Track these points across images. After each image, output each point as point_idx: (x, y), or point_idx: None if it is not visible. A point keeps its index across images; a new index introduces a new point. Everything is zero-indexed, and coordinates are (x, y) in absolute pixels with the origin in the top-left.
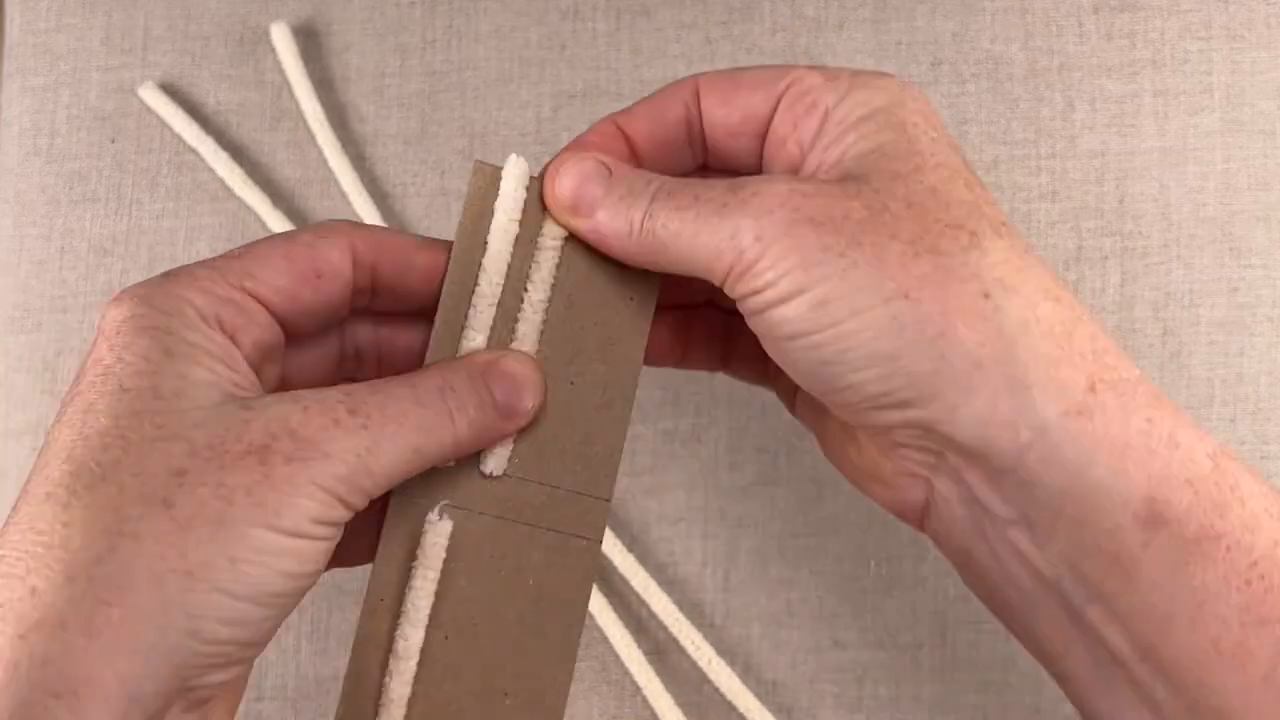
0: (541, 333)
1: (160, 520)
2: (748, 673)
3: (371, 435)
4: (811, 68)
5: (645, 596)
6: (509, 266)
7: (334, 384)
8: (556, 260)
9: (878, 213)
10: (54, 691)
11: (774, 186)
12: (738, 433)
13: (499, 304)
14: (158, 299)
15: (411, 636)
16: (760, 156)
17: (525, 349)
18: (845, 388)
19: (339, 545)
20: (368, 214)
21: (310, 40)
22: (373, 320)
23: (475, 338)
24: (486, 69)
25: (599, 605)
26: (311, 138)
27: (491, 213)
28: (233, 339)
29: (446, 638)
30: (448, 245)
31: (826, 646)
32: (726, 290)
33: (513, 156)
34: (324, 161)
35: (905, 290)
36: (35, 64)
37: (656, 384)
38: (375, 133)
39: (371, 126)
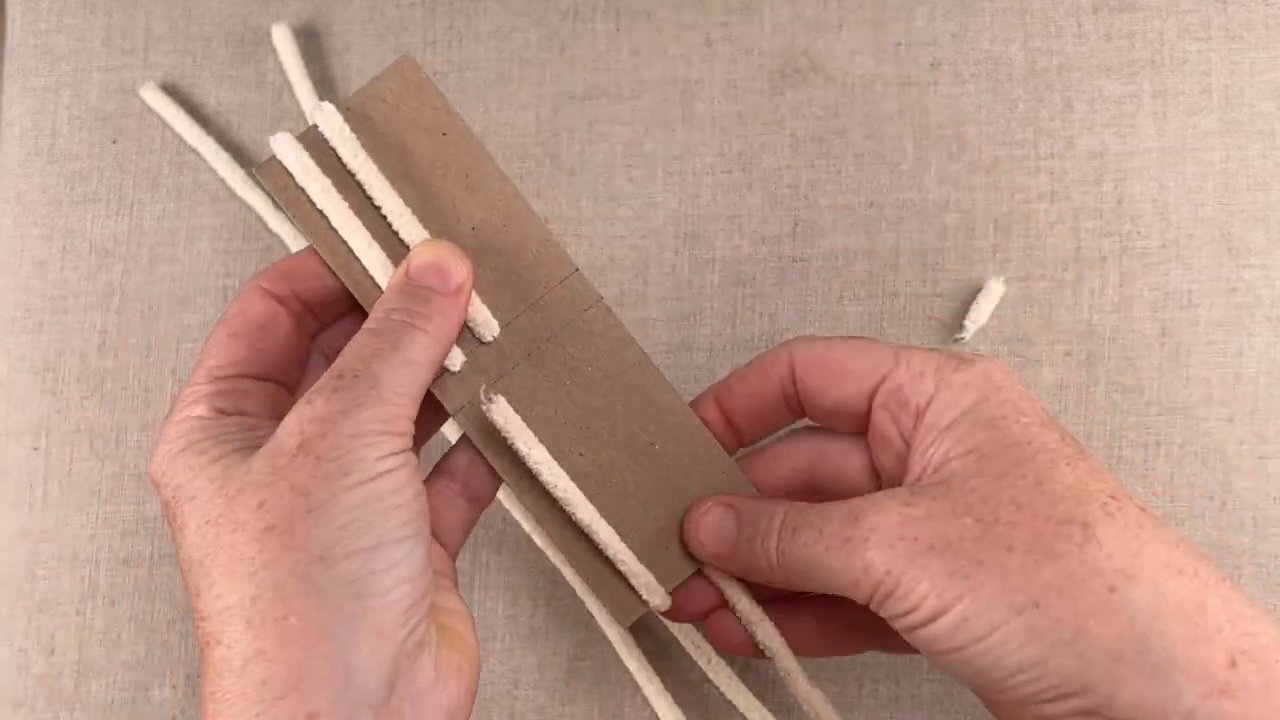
0: (416, 211)
1: (272, 543)
2: (747, 673)
3: (365, 379)
4: (899, 354)
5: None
6: (351, 208)
7: None
8: (375, 170)
9: (990, 525)
10: (279, 695)
11: (888, 518)
12: None
13: (371, 232)
14: (168, 433)
15: (561, 482)
16: (861, 430)
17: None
18: (1005, 689)
19: (469, 482)
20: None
21: (311, 41)
22: (343, 330)
23: (377, 271)
24: (486, 69)
25: (598, 605)
26: None
27: (303, 190)
28: (240, 413)
29: (582, 454)
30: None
31: None
32: (874, 610)
33: (276, 140)
34: None
35: (1034, 599)
36: (36, 64)
37: None
38: None
39: None
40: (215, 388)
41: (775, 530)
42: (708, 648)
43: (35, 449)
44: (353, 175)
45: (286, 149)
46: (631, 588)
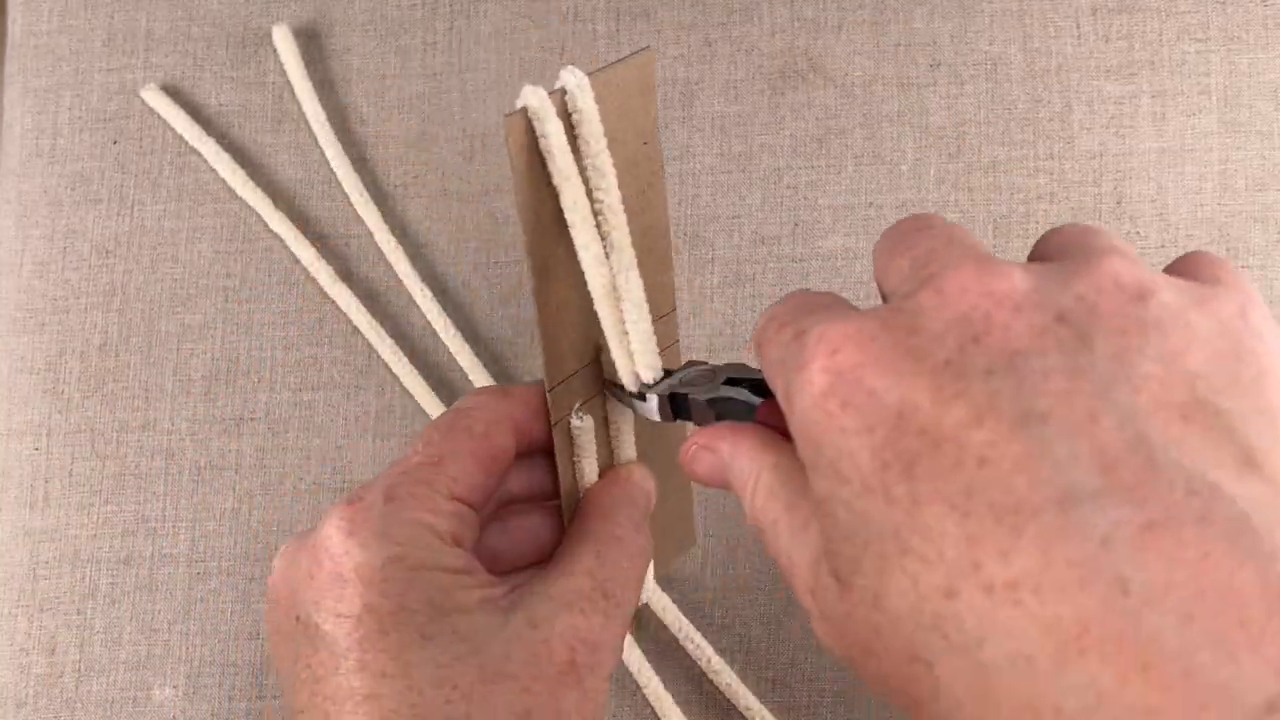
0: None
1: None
2: (747, 673)
3: (623, 609)
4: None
5: (645, 596)
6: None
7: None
8: (607, 156)
9: None
10: None
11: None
12: None
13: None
14: (398, 532)
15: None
16: None
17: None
18: None
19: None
20: (369, 215)
21: (311, 42)
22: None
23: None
24: (487, 71)
25: None
26: (313, 139)
27: (545, 158)
28: (459, 544)
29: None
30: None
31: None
32: None
33: (527, 90)
34: (326, 163)
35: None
36: (37, 65)
37: None
38: (376, 134)
39: (372, 128)
40: (454, 508)
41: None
42: (708, 647)
43: (36, 449)
44: (580, 157)
45: (543, 109)
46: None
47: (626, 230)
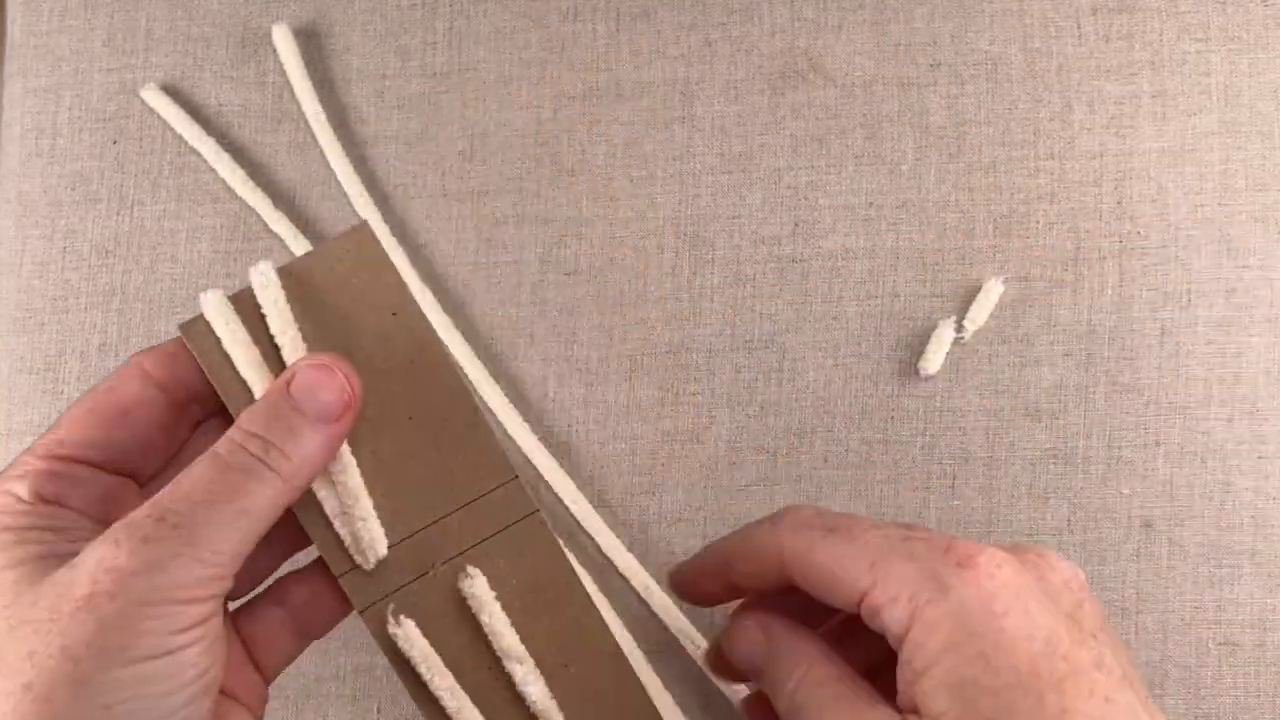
0: None
1: (26, 704)
2: None
3: (184, 530)
4: (876, 568)
5: (645, 596)
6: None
7: None
8: (301, 345)
9: None
10: None
11: None
12: (738, 433)
13: None
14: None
15: (461, 702)
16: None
17: None
18: None
19: (307, 618)
20: (370, 215)
21: (311, 42)
22: (225, 420)
23: None
24: (487, 71)
25: (599, 605)
26: (313, 139)
27: (229, 359)
28: (59, 505)
29: (489, 668)
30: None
31: None
32: None
33: (204, 297)
34: (325, 162)
35: None
36: (37, 65)
37: (656, 384)
38: (376, 134)
39: (372, 128)
40: (46, 466)
41: (794, 680)
42: (707, 647)
43: None
44: (278, 349)
45: (216, 311)
46: None
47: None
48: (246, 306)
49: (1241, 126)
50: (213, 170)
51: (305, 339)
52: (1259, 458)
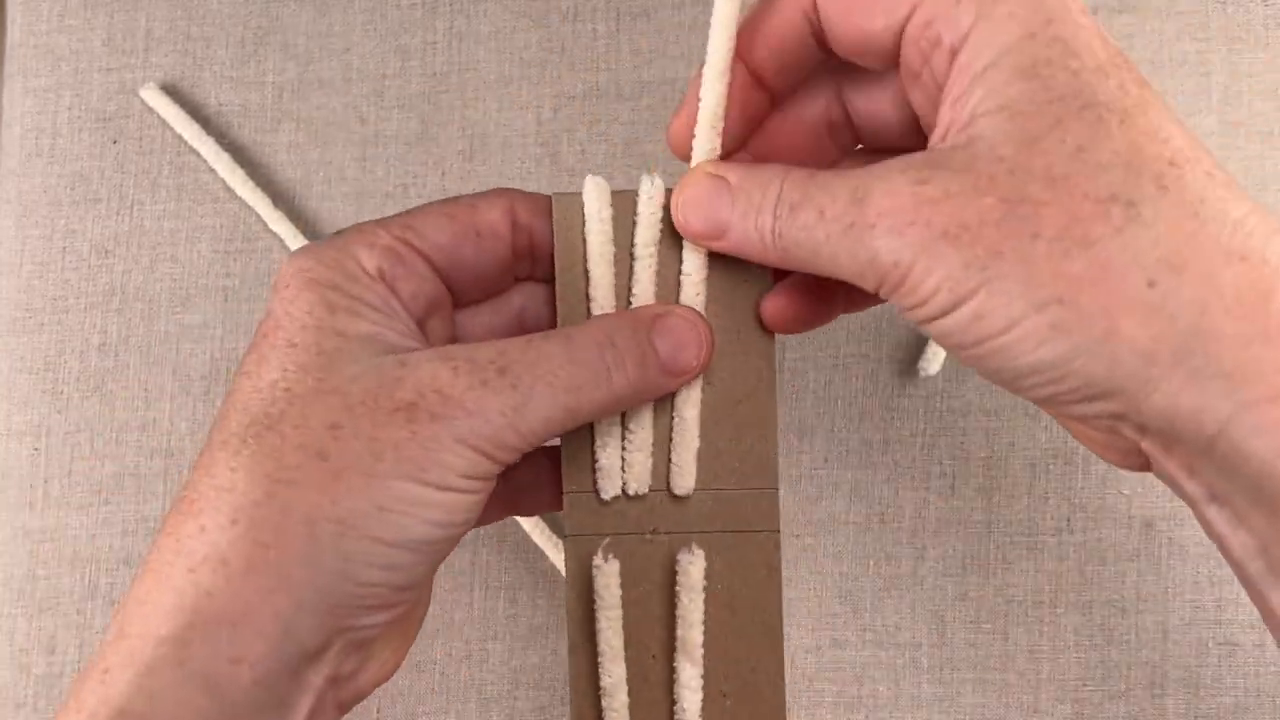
0: None
1: (315, 470)
2: None
3: (520, 394)
4: None
5: None
6: (614, 286)
7: None
8: (654, 266)
9: (1015, 205)
10: (215, 620)
11: (898, 200)
12: None
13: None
14: (326, 253)
15: (614, 672)
16: (893, 66)
17: None
18: (1024, 389)
19: (522, 496)
20: (375, 213)
21: (312, 41)
22: (546, 288)
23: None
24: (487, 70)
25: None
26: (301, 142)
27: (584, 241)
28: (392, 289)
29: (654, 658)
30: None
31: (826, 646)
32: (883, 298)
33: (589, 181)
34: (325, 162)
35: (1059, 295)
36: (37, 65)
37: None
38: (376, 134)
39: (372, 128)
40: (394, 246)
41: (771, 207)
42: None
43: (35, 449)
44: (633, 259)
45: (595, 196)
46: None
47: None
48: (624, 207)
49: (1242, 126)
50: (212, 170)
51: (657, 265)
52: None
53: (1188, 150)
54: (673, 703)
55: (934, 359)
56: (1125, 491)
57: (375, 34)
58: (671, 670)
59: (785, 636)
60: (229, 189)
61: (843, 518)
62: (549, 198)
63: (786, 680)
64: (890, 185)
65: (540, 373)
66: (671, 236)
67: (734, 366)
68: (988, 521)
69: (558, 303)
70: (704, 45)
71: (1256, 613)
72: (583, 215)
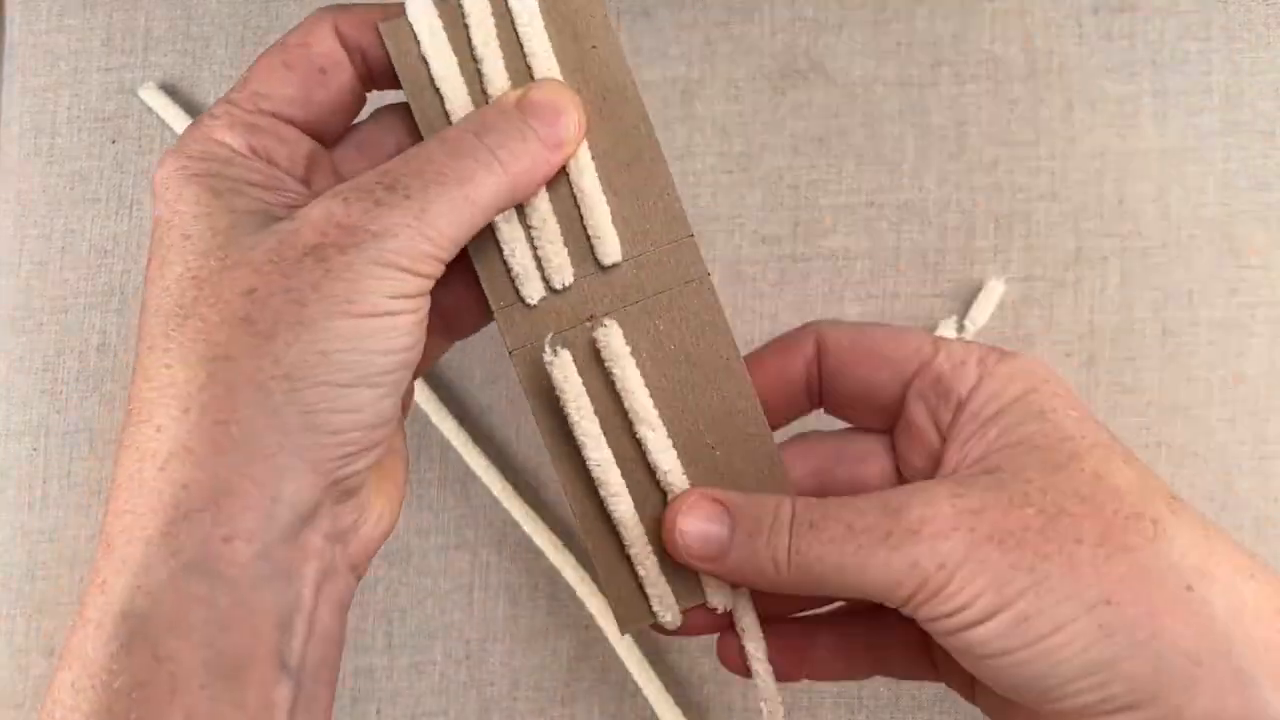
0: None
1: (246, 336)
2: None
3: (416, 201)
4: (938, 342)
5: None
6: (470, 94)
7: None
8: (501, 60)
9: (1054, 517)
10: (197, 507)
11: (939, 508)
12: None
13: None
14: (192, 147)
15: (600, 456)
16: (886, 425)
17: None
18: (1060, 698)
19: (454, 319)
20: None
21: None
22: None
23: None
24: None
25: (599, 606)
26: None
27: (425, 62)
28: (269, 160)
29: (634, 437)
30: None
31: None
32: (909, 614)
33: (409, 1)
34: None
35: (1106, 595)
36: (36, 64)
37: None
38: None
39: None
40: (255, 120)
41: (785, 528)
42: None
43: (34, 449)
44: (477, 62)
45: (420, 12)
46: (644, 595)
47: None
48: (450, 14)
49: (1243, 126)
50: None
51: (503, 59)
52: (1261, 458)
53: (1175, 493)
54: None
55: None
56: None
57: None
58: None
59: None
60: None
61: None
62: (372, 12)
63: None
64: (927, 497)
65: (428, 175)
66: (507, 28)
67: (612, 131)
68: None
69: (420, 130)
70: (703, 44)
71: None
72: (415, 37)
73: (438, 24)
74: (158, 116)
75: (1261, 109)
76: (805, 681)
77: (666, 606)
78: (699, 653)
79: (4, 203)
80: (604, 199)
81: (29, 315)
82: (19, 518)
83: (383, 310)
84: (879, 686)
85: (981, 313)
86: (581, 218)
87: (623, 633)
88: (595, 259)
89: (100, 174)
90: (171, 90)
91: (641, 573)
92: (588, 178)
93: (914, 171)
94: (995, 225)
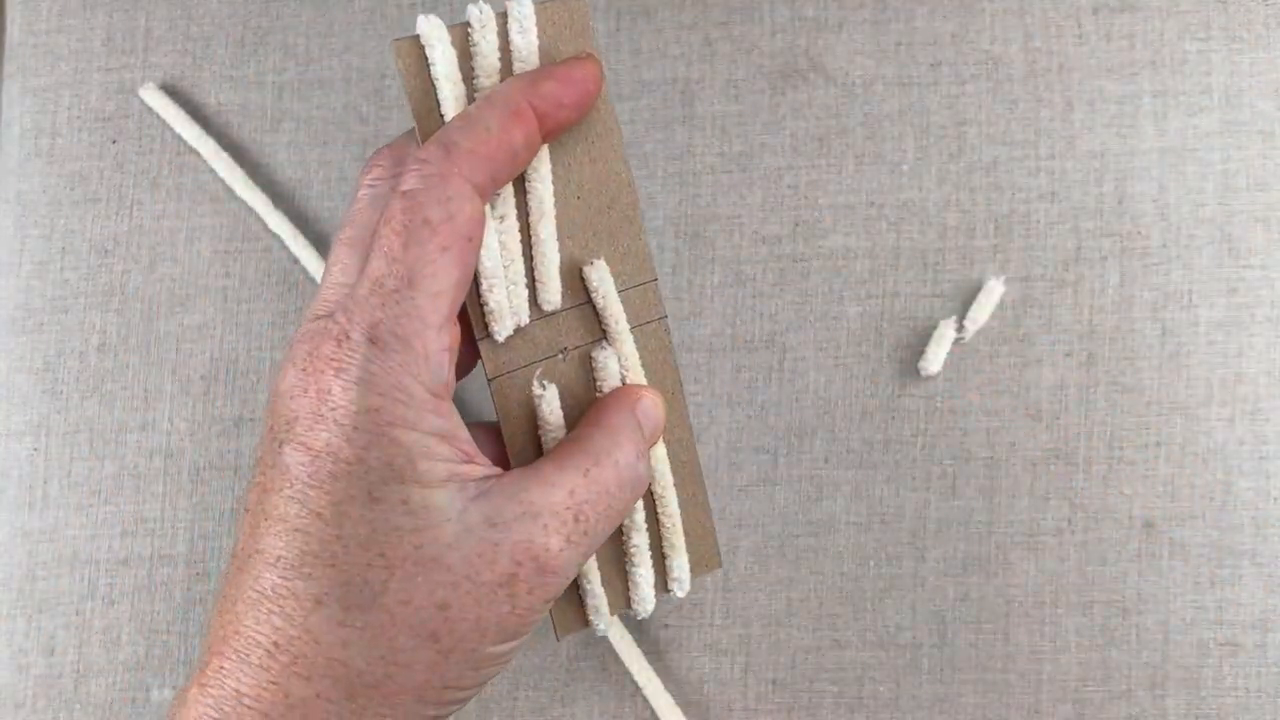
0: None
1: (428, 653)
2: (748, 672)
3: (590, 540)
4: None
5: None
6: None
7: None
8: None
9: None
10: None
11: None
12: (738, 433)
13: None
14: (382, 381)
15: None
16: None
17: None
18: None
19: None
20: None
21: (311, 40)
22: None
23: None
24: None
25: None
26: (307, 140)
27: (434, 85)
28: (441, 398)
29: None
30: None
31: (826, 646)
32: None
33: (423, 20)
34: (325, 162)
35: None
36: (36, 65)
37: None
38: (376, 134)
39: (372, 127)
40: (440, 350)
41: None
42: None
43: (35, 449)
44: (477, 92)
45: (434, 36)
46: (583, 605)
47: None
48: (460, 40)
49: (1243, 126)
50: (212, 170)
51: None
52: (1260, 458)
53: None
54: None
55: (935, 359)
56: (1126, 491)
57: (375, 33)
58: None
59: (775, 620)
60: (229, 189)
61: (843, 518)
62: (485, 145)
63: (786, 680)
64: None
65: (601, 515)
66: (507, 63)
67: (595, 175)
68: (988, 522)
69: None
70: (703, 44)
71: (1258, 612)
72: (426, 58)
73: (451, 51)
74: (158, 117)
75: (1261, 109)
76: (805, 681)
77: (600, 615)
78: (699, 653)
79: (4, 203)
80: (556, 247)
81: (29, 315)
82: (19, 518)
83: (522, 624)
84: (879, 686)
85: (981, 313)
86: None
87: (559, 639)
88: (541, 303)
89: (100, 174)
90: (172, 90)
91: (586, 585)
92: (545, 225)
93: (913, 171)
94: (995, 225)
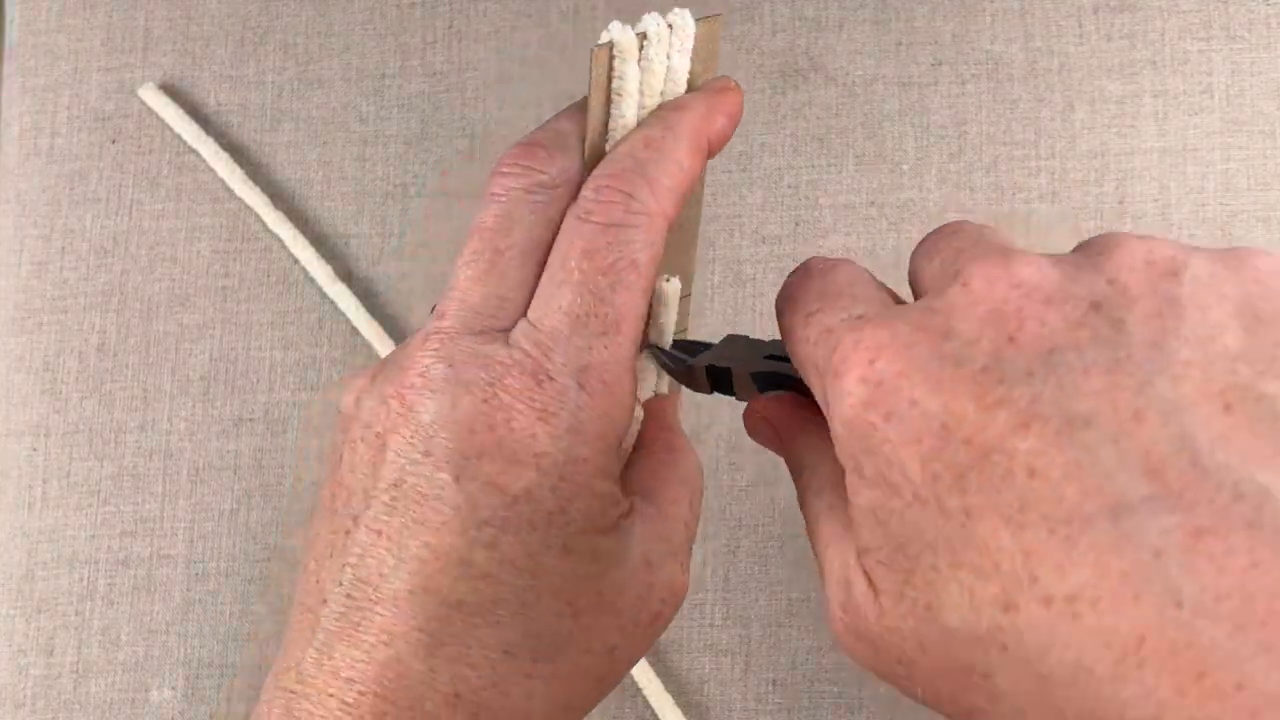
0: None
1: (595, 696)
2: (748, 672)
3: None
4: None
5: None
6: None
7: None
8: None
9: None
10: None
11: None
12: (738, 433)
13: None
14: (591, 429)
15: None
16: None
17: None
18: None
19: None
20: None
21: (311, 40)
22: None
23: None
24: (487, 69)
25: None
26: (308, 139)
27: (613, 99)
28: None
29: None
30: None
31: (826, 646)
32: None
33: (616, 25)
34: (325, 162)
35: None
36: (36, 64)
37: None
38: (376, 134)
39: (372, 127)
40: (635, 401)
41: None
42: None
43: (34, 449)
44: (643, 110)
45: (628, 49)
46: None
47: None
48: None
49: (1244, 126)
50: (211, 170)
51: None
52: None
53: None
54: None
55: None
56: None
57: (375, 33)
58: None
59: (775, 620)
60: (228, 189)
61: None
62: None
63: (786, 680)
64: None
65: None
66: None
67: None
68: None
69: (588, 153)
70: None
71: None
72: (612, 70)
73: (638, 69)
74: (158, 116)
75: (1262, 109)
76: (805, 681)
77: None
78: (699, 652)
79: (4, 202)
80: None
81: (28, 315)
82: (18, 518)
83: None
84: (880, 687)
85: None
86: None
87: None
88: None
89: (100, 174)
90: (171, 90)
91: None
92: None
93: (914, 171)
94: (995, 225)
